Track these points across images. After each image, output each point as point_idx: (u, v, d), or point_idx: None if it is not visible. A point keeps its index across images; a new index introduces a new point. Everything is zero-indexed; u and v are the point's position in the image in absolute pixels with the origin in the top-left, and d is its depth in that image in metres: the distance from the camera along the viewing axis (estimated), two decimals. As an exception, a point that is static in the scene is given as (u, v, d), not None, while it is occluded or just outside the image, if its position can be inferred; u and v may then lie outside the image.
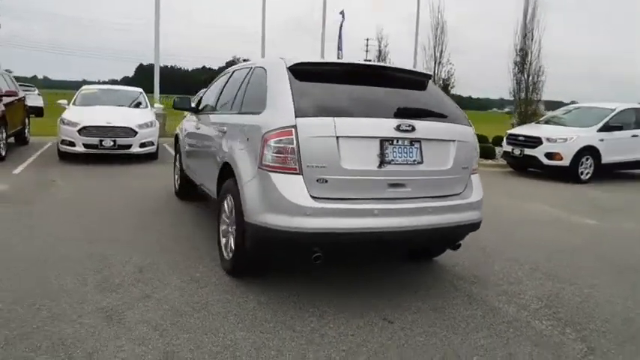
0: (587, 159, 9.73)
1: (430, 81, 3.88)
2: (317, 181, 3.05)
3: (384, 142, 3.19)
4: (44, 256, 3.89)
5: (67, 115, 9.02)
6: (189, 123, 5.68)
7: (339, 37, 19.63)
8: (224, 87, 4.68)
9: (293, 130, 3.03)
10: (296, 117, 3.06)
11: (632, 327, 3.18)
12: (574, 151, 9.57)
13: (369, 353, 2.66)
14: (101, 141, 8.58)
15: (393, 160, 3.20)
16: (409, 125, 3.22)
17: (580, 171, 9.68)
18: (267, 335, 2.79)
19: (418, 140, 3.29)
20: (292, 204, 2.99)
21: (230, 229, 3.68)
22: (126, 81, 72.40)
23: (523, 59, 14.35)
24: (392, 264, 4.12)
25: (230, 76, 4.67)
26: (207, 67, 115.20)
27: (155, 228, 4.87)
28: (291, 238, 3.05)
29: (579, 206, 7.35)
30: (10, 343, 2.55)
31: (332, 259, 3.38)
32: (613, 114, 10.20)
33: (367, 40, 70.83)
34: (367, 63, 3.69)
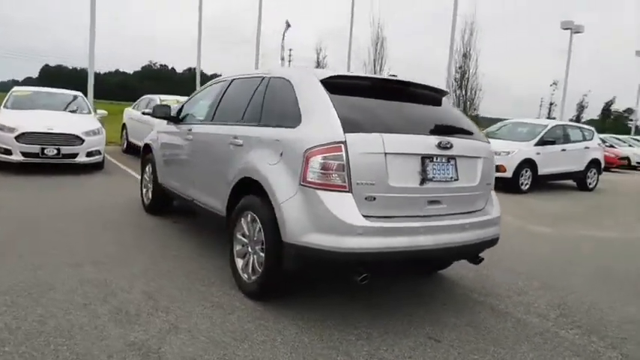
0: (526, 171, 10.51)
1: (445, 97, 3.95)
2: (365, 199, 2.95)
3: (425, 159, 3.18)
4: (28, 286, 3.36)
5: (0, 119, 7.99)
6: (167, 133, 5.28)
7: (282, 47, 19.62)
8: (221, 97, 4.40)
9: (343, 145, 2.91)
10: (345, 132, 2.95)
11: (645, 331, 3.44)
12: (516, 164, 10.30)
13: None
14: (43, 149, 7.69)
15: (433, 178, 3.19)
16: (448, 142, 3.24)
17: (520, 182, 10.44)
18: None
19: (454, 157, 3.32)
20: (344, 223, 2.86)
21: (251, 250, 3.45)
22: (30, 82, 66.05)
23: (462, 76, 15.34)
24: (401, 278, 4.10)
25: (228, 86, 4.39)
26: (121, 70, 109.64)
27: (142, 247, 4.43)
28: (340, 259, 2.91)
29: (530, 215, 7.88)
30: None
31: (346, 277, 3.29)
32: (546, 129, 11.15)
33: (290, 50, 71.62)
34: (398, 78, 3.65)
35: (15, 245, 4.23)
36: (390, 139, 3.05)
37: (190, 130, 4.62)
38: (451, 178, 3.29)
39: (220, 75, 6.07)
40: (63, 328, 2.79)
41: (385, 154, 3.00)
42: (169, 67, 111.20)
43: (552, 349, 3.03)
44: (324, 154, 2.92)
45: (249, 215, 3.45)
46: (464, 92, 15.49)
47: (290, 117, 3.29)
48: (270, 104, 3.64)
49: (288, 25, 19.04)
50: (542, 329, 3.32)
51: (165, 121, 5.63)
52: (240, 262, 3.59)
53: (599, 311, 3.73)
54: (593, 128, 12.73)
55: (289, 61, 74.35)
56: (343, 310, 3.33)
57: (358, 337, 2.96)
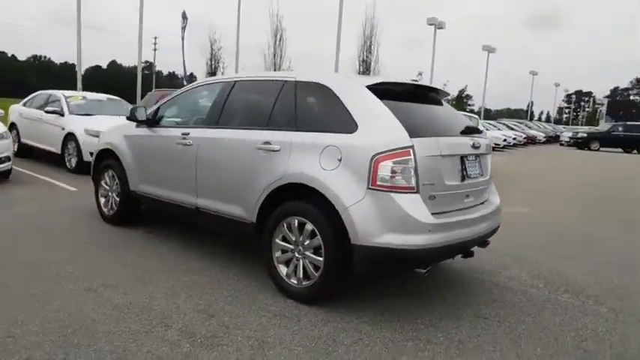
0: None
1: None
2: (429, 198, 3.21)
3: (463, 158, 3.54)
4: (62, 327, 2.96)
5: None
6: (141, 137, 4.86)
7: (184, 39, 18.46)
8: (225, 100, 4.21)
9: (411, 150, 3.12)
10: (411, 137, 3.15)
11: None
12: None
13: (515, 340, 3.00)
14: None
15: (470, 175, 3.58)
16: (478, 142, 3.65)
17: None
18: (426, 354, 2.86)
19: (479, 155, 3.74)
20: (418, 222, 3.09)
21: (298, 255, 3.49)
22: None
23: (367, 69, 16.23)
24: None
25: (232, 88, 4.22)
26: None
27: (139, 263, 4.08)
28: (413, 256, 3.15)
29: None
30: None
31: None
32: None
33: (155, 38, 67.58)
34: (425, 84, 3.91)
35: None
36: (443, 142, 3.35)
37: (187, 134, 4.35)
38: (479, 173, 3.71)
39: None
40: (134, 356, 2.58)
41: (441, 156, 3.30)
42: (9, 55, 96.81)
43: (564, 312, 3.64)
44: (395, 159, 3.10)
45: (296, 220, 3.47)
46: None
47: (340, 123, 3.38)
48: (306, 109, 3.66)
49: (185, 18, 18.02)
50: (544, 297, 3.95)
51: (130, 124, 5.19)
52: (283, 269, 3.59)
53: (568, 275, 4.52)
54: (477, 116, 14.54)
55: (154, 50, 69.87)
56: (389, 303, 3.56)
57: (425, 325, 3.24)
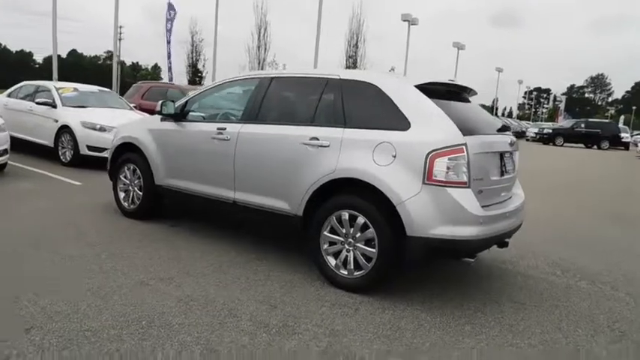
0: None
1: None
2: (478, 192, 3.42)
3: (502, 155, 3.77)
4: (135, 320, 3.00)
5: None
6: (170, 131, 4.86)
7: (170, 30, 18.00)
8: (263, 97, 4.27)
9: (464, 147, 3.31)
10: (463, 135, 3.34)
11: None
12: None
13: (557, 323, 3.26)
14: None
15: (507, 170, 3.81)
16: (514, 140, 3.89)
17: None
18: (484, 337, 3.08)
19: (512, 152, 3.98)
20: (472, 215, 3.30)
21: (348, 247, 3.63)
22: None
23: (354, 63, 16.41)
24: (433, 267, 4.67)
25: (269, 85, 4.29)
26: None
27: (178, 257, 4.12)
28: (466, 246, 3.36)
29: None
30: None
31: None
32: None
33: (120, 27, 65.63)
34: (461, 83, 4.09)
35: (42, 282, 3.58)
36: (486, 140, 3.57)
37: (223, 129, 4.39)
38: (512, 169, 3.96)
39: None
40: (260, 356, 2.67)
41: (486, 153, 3.51)
42: None
43: (589, 297, 3.95)
44: (449, 156, 3.29)
45: (347, 214, 3.61)
46: None
47: (391, 120, 3.53)
48: (355, 107, 3.77)
49: (172, 10, 17.56)
50: (565, 284, 4.25)
51: (154, 118, 5.19)
52: (332, 260, 3.73)
53: (579, 263, 4.86)
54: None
55: (119, 39, 67.83)
56: (432, 292, 3.77)
57: (473, 311, 3.46)
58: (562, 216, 7.53)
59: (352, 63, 17.15)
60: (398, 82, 3.77)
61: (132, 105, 10.19)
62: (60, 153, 8.49)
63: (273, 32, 18.59)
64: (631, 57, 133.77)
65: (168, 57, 18.25)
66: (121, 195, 5.42)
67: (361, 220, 3.55)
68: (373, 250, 3.51)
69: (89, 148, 8.13)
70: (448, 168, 3.30)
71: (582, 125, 30.82)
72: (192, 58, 19.24)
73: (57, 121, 8.49)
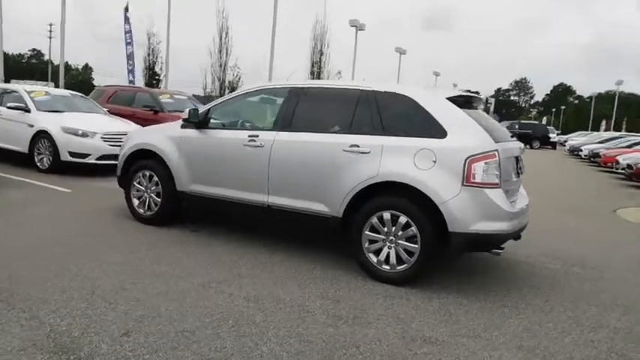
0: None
1: None
2: (505, 192, 3.90)
3: (516, 159, 4.29)
4: (229, 317, 3.17)
5: None
6: (196, 138, 4.95)
7: (129, 32, 17.30)
8: (295, 106, 4.51)
9: (496, 152, 3.77)
10: (495, 142, 3.81)
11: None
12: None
13: (574, 302, 3.80)
14: None
15: (520, 172, 4.34)
16: (522, 147, 4.43)
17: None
18: (523, 316, 3.55)
19: (521, 156, 4.52)
20: (505, 212, 3.77)
21: (390, 244, 3.99)
22: None
23: (319, 70, 16.74)
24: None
25: (300, 95, 4.53)
26: None
27: (220, 260, 4.27)
28: (499, 239, 3.83)
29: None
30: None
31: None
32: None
33: (50, 24, 61.56)
34: (473, 94, 4.54)
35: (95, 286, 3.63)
36: (508, 146, 4.06)
37: (255, 136, 4.58)
38: (520, 171, 4.49)
39: None
40: (371, 350, 2.94)
41: (508, 157, 4.00)
42: None
43: (586, 281, 4.56)
44: (486, 160, 3.73)
45: (389, 214, 3.96)
46: None
47: (428, 129, 3.92)
48: (391, 117, 4.12)
49: (127, 10, 16.89)
50: (563, 270, 4.85)
51: (173, 125, 5.27)
52: (373, 257, 4.06)
53: (565, 251, 5.53)
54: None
55: (50, 37, 63.58)
56: (460, 280, 4.21)
57: (501, 296, 3.93)
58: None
59: (318, 69, 17.62)
60: (431, 94, 4.18)
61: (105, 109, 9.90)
62: (36, 159, 8.14)
63: (235, 37, 18.67)
64: (549, 63, 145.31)
65: (128, 59, 17.60)
66: (135, 202, 5.42)
67: (403, 219, 3.91)
68: (415, 245, 3.88)
69: (71, 154, 7.87)
70: (484, 171, 3.75)
71: (516, 127, 33.23)
72: (149, 60, 18.77)
73: (32, 126, 8.13)
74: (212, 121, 5.02)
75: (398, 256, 3.97)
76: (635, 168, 13.13)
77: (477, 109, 4.63)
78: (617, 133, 32.22)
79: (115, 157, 8.07)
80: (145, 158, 5.36)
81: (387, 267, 4.01)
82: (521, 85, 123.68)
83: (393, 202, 3.97)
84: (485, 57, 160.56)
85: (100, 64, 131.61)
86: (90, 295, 3.32)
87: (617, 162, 15.54)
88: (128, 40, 17.67)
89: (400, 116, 4.15)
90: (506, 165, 3.96)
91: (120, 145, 8.11)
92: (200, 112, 5.02)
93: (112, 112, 10.51)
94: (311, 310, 3.37)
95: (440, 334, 3.13)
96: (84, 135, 7.94)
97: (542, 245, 5.69)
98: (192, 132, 5.03)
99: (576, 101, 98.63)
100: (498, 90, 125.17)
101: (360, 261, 4.14)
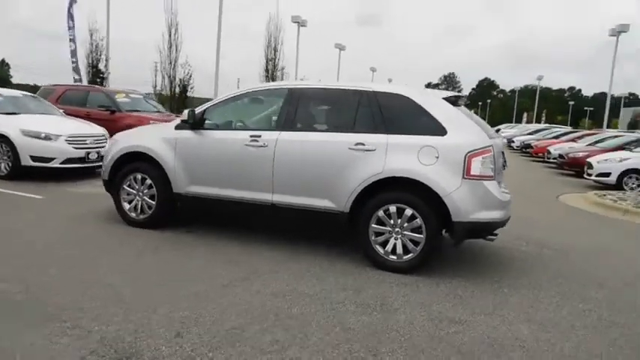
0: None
1: None
2: (498, 183, 4.32)
3: (502, 152, 4.73)
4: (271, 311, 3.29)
5: None
6: (194, 139, 4.95)
7: (72, 28, 16.19)
8: (297, 107, 4.67)
9: (491, 148, 4.17)
10: (490, 138, 4.21)
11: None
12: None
13: (566, 277, 4.30)
14: None
15: (505, 166, 4.78)
16: (505, 142, 4.87)
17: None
18: (534, 294, 3.98)
19: (503, 151, 4.98)
20: (500, 201, 4.19)
21: (396, 235, 4.28)
22: None
23: (274, 67, 16.70)
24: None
25: (299, 96, 4.69)
26: None
27: (239, 260, 4.37)
28: (494, 227, 4.25)
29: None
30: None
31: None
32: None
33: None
34: (460, 94, 4.89)
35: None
36: (498, 141, 4.49)
37: (258, 136, 4.68)
38: (505, 164, 4.94)
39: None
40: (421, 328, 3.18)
41: (498, 152, 4.42)
42: None
43: (556, 262, 5.12)
44: (483, 155, 4.12)
45: (394, 207, 4.25)
46: (271, 81, 17.06)
47: (429, 127, 4.25)
48: (392, 116, 4.39)
49: (72, 5, 15.77)
50: (537, 252, 5.40)
51: (166, 127, 5.25)
52: (380, 248, 4.34)
53: (530, 235, 6.13)
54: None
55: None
56: (458, 267, 4.60)
57: (500, 278, 4.36)
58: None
59: (272, 66, 17.65)
60: (428, 94, 4.51)
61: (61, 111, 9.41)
62: (-8, 165, 7.63)
63: (185, 34, 18.16)
64: (474, 59, 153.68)
65: (72, 55, 16.49)
66: (126, 206, 5.32)
67: (409, 211, 4.22)
68: (421, 235, 4.21)
69: (34, 158, 7.45)
70: (482, 165, 4.13)
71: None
72: (92, 57, 17.74)
73: (-15, 129, 7.60)
74: (209, 122, 5.05)
75: (404, 246, 4.28)
76: (566, 157, 14.45)
77: (460, 106, 5.03)
78: (540, 125, 34.92)
79: (80, 160, 7.87)
80: (135, 161, 5.28)
81: (394, 257, 4.30)
82: (450, 80, 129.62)
83: (398, 196, 4.27)
84: (415, 53, 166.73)
85: (19, 60, 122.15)
86: (120, 302, 3.32)
87: (549, 152, 16.97)
88: (71, 37, 16.59)
89: (401, 115, 4.44)
90: (497, 159, 4.37)
91: (84, 148, 7.90)
92: (196, 112, 5.03)
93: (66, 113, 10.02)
94: (338, 300, 3.58)
95: (460, 315, 3.47)
96: (47, 138, 7.54)
97: (508, 231, 6.24)
98: (188, 133, 5.03)
99: (500, 95, 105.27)
100: (429, 84, 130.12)
101: (367, 253, 4.40)
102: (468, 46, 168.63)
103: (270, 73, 18.38)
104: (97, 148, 8.16)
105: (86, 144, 8.00)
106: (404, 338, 3.04)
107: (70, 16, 16.44)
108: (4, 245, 4.40)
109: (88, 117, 9.95)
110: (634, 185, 11.07)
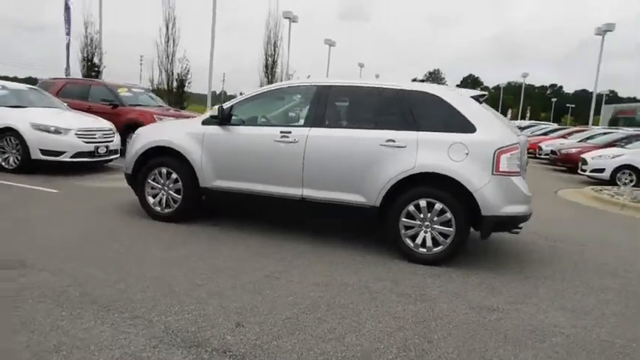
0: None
1: None
2: (523, 178, 4.49)
3: (524, 150, 4.90)
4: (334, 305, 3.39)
5: None
6: (223, 135, 5.02)
7: (68, 20, 15.87)
8: (326, 103, 4.77)
9: (518, 145, 4.33)
10: (517, 135, 4.37)
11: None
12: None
13: (586, 267, 4.50)
14: None
15: (527, 162, 4.96)
16: (526, 139, 5.05)
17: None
18: (561, 284, 4.16)
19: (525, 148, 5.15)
20: (526, 196, 4.37)
21: (426, 229, 4.42)
22: None
23: (273, 63, 16.68)
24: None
25: (329, 94, 4.79)
26: None
27: (269, 253, 4.46)
28: (522, 220, 4.42)
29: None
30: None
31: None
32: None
33: None
34: (483, 93, 5.03)
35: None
36: (522, 139, 4.65)
37: (288, 132, 4.77)
38: (527, 161, 5.12)
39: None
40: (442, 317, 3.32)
41: (523, 149, 4.59)
42: None
43: (570, 254, 5.34)
44: (511, 152, 4.28)
45: (425, 201, 4.39)
46: (269, 78, 17.06)
47: (458, 125, 4.38)
48: (423, 114, 4.51)
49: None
50: (549, 246, 5.59)
51: (193, 122, 5.30)
52: (409, 241, 4.48)
53: (539, 230, 6.35)
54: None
55: None
56: (476, 258, 4.76)
57: (523, 268, 4.54)
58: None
59: (272, 62, 17.67)
60: (456, 93, 4.64)
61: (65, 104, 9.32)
62: (1, 159, 7.54)
63: (182, 28, 17.93)
64: (459, 57, 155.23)
65: (67, 49, 16.17)
66: (150, 200, 5.36)
67: (439, 205, 4.36)
68: (450, 229, 4.35)
69: (44, 152, 7.40)
70: (509, 161, 4.29)
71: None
72: (87, 51, 17.42)
73: (-7, 122, 7.50)
74: (235, 117, 5.11)
75: (434, 239, 4.42)
76: (559, 154, 14.83)
77: (482, 104, 5.19)
78: (527, 122, 35.54)
79: (90, 154, 7.83)
80: (160, 156, 5.32)
81: (424, 250, 4.45)
82: (435, 76, 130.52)
83: (428, 191, 4.40)
84: (401, 49, 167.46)
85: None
86: (172, 293, 3.39)
87: (541, 149, 17.37)
88: (68, 30, 16.25)
89: (431, 113, 4.56)
90: (522, 155, 4.54)
91: (93, 142, 7.87)
92: (224, 108, 5.09)
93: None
94: (378, 291, 3.71)
95: (497, 303, 3.63)
96: (57, 132, 7.49)
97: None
98: (216, 129, 5.08)
99: (484, 92, 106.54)
100: (414, 80, 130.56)
101: (398, 245, 4.53)
102: (453, 43, 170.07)
103: (270, 69, 18.40)
104: (105, 142, 8.13)
105: (95, 138, 7.96)
106: (451, 325, 3.18)
107: (67, 8, 16.10)
108: (39, 239, 4.40)
109: (89, 111, 9.87)
110: (627, 180, 11.46)
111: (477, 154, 4.31)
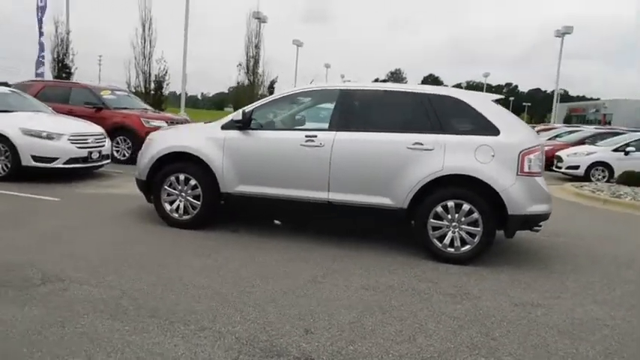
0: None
1: None
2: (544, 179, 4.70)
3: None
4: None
5: None
6: (240, 139, 4.97)
7: (40, 20, 15.04)
8: (350, 107, 4.84)
9: (540, 147, 4.53)
10: (537, 138, 4.56)
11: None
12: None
13: (599, 262, 4.75)
14: None
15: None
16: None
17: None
18: (580, 278, 4.37)
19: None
20: (548, 195, 4.57)
21: (454, 229, 4.56)
22: None
23: (256, 63, 16.50)
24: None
25: (353, 97, 4.86)
26: None
27: (308, 258, 4.46)
28: (544, 218, 4.61)
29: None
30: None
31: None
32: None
33: None
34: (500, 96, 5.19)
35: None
36: (542, 141, 4.85)
37: (313, 136, 4.78)
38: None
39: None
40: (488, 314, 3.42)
41: (543, 150, 4.80)
42: None
43: (580, 249, 5.61)
44: (535, 153, 4.46)
45: (452, 202, 4.52)
46: (252, 78, 16.83)
47: (483, 128, 4.54)
48: (448, 117, 4.63)
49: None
50: (559, 241, 5.84)
51: (212, 126, 5.23)
52: (437, 242, 4.59)
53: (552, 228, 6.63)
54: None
55: None
56: (497, 257, 4.94)
57: (548, 264, 4.74)
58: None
59: (254, 63, 17.43)
60: (479, 97, 4.80)
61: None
62: (-12, 166, 7.15)
63: (159, 29, 17.44)
64: (419, 58, 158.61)
65: (41, 50, 15.29)
66: (167, 207, 5.24)
67: (467, 206, 4.50)
68: (478, 228, 4.50)
69: (35, 158, 7.07)
70: (532, 162, 4.48)
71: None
72: (58, 51, 16.60)
73: (-21, 128, 7.10)
74: (255, 122, 5.07)
75: (462, 239, 4.56)
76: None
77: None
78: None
79: (83, 160, 7.56)
80: (176, 161, 5.21)
81: (452, 249, 4.57)
82: (396, 76, 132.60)
83: (456, 193, 4.53)
84: (362, 50, 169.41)
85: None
86: (227, 302, 3.35)
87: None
88: (41, 30, 15.37)
89: (455, 117, 4.70)
90: (543, 156, 4.75)
91: (86, 147, 7.60)
92: (246, 112, 5.04)
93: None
94: (424, 291, 3.80)
95: (535, 299, 3.79)
96: (49, 137, 7.18)
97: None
98: (237, 133, 5.03)
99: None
100: (376, 80, 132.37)
101: (426, 246, 4.64)
102: (413, 45, 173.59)
103: (252, 70, 18.20)
104: (98, 147, 7.86)
105: (88, 143, 7.68)
106: (505, 322, 3.31)
107: (41, 9, 15.26)
108: (64, 250, 4.23)
109: (71, 114, 9.50)
110: (600, 177, 12.11)
111: (503, 155, 4.48)
